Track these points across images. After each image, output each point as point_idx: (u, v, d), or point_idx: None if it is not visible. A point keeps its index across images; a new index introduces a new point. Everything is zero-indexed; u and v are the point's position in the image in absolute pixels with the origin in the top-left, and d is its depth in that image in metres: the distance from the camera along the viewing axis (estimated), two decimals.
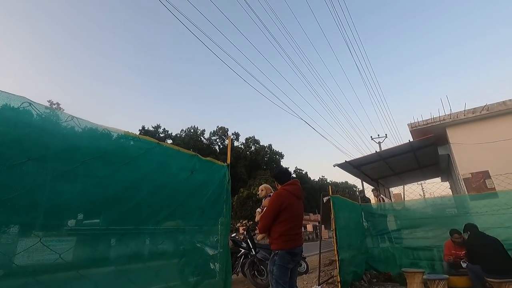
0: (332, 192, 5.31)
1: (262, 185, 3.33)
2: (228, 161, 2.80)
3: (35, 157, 1.27)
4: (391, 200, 15.50)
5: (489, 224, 5.63)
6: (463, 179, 7.96)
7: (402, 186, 16.77)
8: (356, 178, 12.59)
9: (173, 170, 2.17)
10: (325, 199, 6.13)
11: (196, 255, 2.47)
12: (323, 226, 8.52)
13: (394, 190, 18.89)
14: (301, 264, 7.04)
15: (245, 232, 6.67)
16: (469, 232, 4.80)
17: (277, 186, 3.06)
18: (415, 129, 9.37)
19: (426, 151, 10.15)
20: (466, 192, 7.62)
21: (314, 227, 39.67)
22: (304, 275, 6.75)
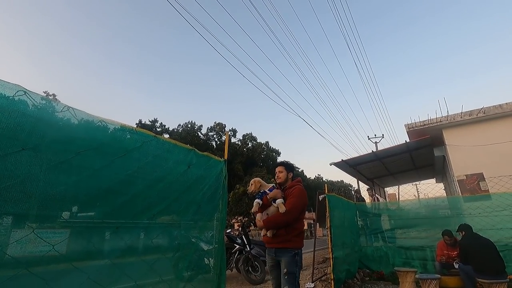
0: (328, 191, 5.33)
1: (255, 179, 2.95)
2: (226, 156, 2.79)
3: (30, 147, 1.25)
4: (386, 200, 15.62)
5: (481, 226, 5.70)
6: (458, 180, 8.03)
7: (397, 186, 16.90)
8: (352, 177, 12.65)
9: (170, 164, 2.15)
10: (320, 197, 6.16)
11: (190, 250, 2.46)
12: (317, 224, 8.55)
13: (389, 190, 19.04)
14: None
15: (240, 228, 6.68)
16: (463, 232, 4.85)
17: (289, 175, 2.89)
18: (412, 130, 9.42)
19: (422, 152, 10.22)
20: (460, 194, 7.70)
21: (309, 225, 39.89)
22: None
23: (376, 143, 21.76)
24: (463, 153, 8.17)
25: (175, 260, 2.26)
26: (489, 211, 5.89)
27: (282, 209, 2.56)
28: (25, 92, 1.26)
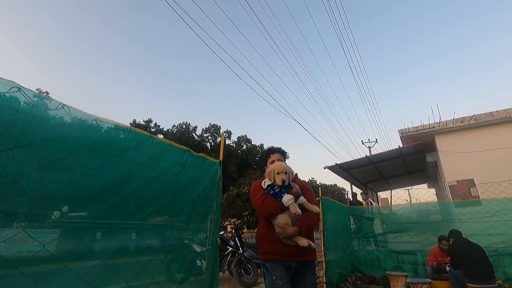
0: (321, 194, 5.35)
1: (280, 163, 2.26)
2: (221, 157, 2.78)
3: (23, 144, 1.23)
4: (379, 204, 15.74)
5: (471, 231, 5.79)
6: (449, 186, 8.15)
7: (389, 191, 17.07)
8: (345, 181, 12.73)
9: (164, 164, 2.14)
10: None
11: (183, 252, 2.44)
12: None
13: (382, 194, 19.20)
14: None
15: (233, 231, 6.66)
16: (453, 238, 4.92)
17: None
18: (405, 135, 9.54)
19: (415, 157, 10.35)
20: (451, 199, 7.81)
21: None
22: None
23: (369, 147, 21.99)
24: (454, 159, 8.30)
25: (168, 262, 2.24)
26: (479, 217, 5.98)
27: (316, 209, 2.08)
28: (19, 89, 1.25)
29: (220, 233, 7.07)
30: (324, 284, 4.66)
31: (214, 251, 2.62)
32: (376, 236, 7.46)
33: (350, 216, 7.46)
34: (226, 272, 6.22)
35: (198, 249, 2.61)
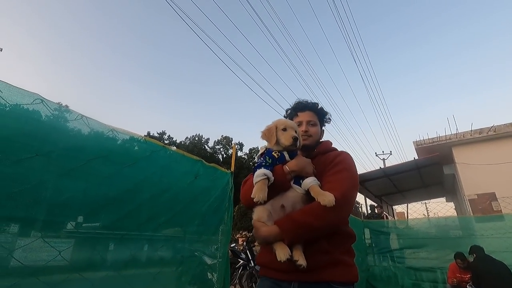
0: None
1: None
2: (232, 168, 2.79)
3: (43, 153, 1.29)
4: (394, 218, 15.25)
5: (494, 248, 5.49)
6: (469, 200, 7.84)
7: (405, 205, 16.54)
8: (359, 193, 12.45)
9: (177, 174, 2.17)
10: None
11: (194, 264, 2.43)
12: None
13: (398, 208, 18.61)
14: None
15: (244, 243, 6.59)
16: (475, 255, 4.67)
17: (322, 132, 1.63)
18: (420, 147, 9.32)
19: (431, 170, 10.04)
20: (472, 214, 7.48)
21: None
22: None
23: (384, 159, 21.54)
24: (473, 172, 8.00)
25: (179, 274, 2.23)
26: (502, 233, 5.68)
27: (327, 199, 1.12)
28: (42, 101, 1.31)
29: (232, 245, 7.02)
30: None
31: (225, 264, 2.59)
32: (392, 251, 7.19)
33: (364, 230, 7.25)
34: (238, 286, 6.12)
35: (209, 261, 2.59)
